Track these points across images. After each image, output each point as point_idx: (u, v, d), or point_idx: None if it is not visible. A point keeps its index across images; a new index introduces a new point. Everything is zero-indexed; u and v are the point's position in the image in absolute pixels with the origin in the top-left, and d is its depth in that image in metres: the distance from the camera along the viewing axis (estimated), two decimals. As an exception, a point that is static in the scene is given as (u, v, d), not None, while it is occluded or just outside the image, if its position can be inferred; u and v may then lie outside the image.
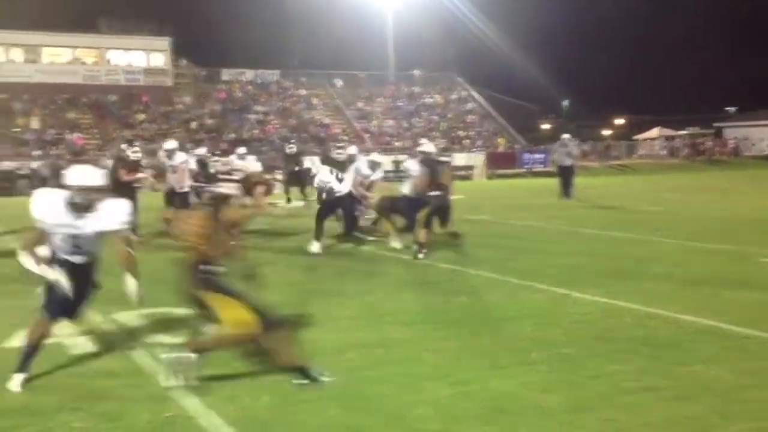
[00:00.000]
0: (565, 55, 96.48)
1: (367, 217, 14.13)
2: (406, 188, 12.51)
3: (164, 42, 51.56)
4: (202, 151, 16.78)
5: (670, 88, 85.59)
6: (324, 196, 13.08)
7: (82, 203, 5.61)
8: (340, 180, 13.17)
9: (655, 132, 60.06)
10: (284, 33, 77.64)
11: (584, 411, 4.91)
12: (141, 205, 13.31)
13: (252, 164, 16.27)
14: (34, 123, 44.18)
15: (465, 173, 39.56)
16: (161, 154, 15.71)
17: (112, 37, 50.03)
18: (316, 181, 13.13)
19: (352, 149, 17.28)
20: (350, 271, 10.64)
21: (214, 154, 17.46)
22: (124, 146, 15.67)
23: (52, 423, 4.89)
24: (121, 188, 13.51)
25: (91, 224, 5.69)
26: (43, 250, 5.80)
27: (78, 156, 39.35)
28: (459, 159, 41.07)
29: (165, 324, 7.46)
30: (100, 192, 5.72)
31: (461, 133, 52.98)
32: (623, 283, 9.31)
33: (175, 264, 5.71)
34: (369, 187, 14.72)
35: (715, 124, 62.02)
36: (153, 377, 5.76)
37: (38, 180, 14.27)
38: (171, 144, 16.04)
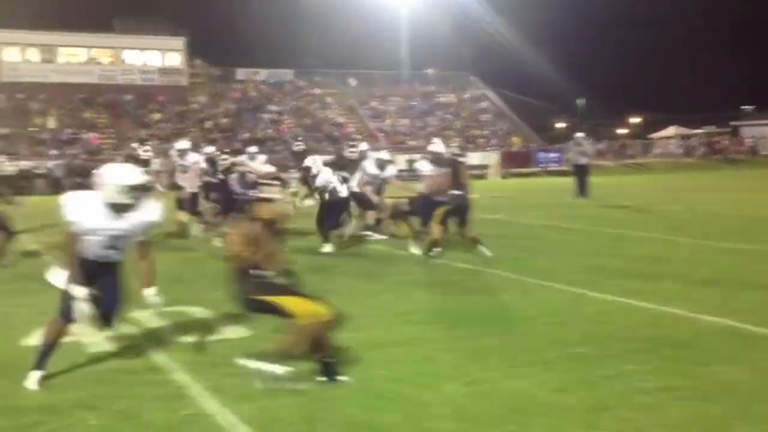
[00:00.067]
0: (581, 53, 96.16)
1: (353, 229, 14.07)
2: (420, 187, 12.41)
3: (179, 42, 51.77)
4: (211, 149, 16.76)
5: (686, 87, 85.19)
6: (327, 196, 12.91)
7: (122, 203, 5.57)
8: (342, 181, 13.15)
9: (671, 131, 59.76)
10: (298, 32, 77.82)
11: (601, 411, 4.88)
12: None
13: (260, 164, 16.16)
14: (51, 123, 44.49)
15: (479, 172, 39.48)
16: (173, 153, 15.73)
17: (127, 37, 50.26)
18: (318, 181, 12.97)
19: (363, 146, 17.25)
20: (364, 271, 10.63)
21: (223, 152, 17.42)
22: (135, 145, 15.67)
23: (70, 421, 4.91)
24: None
25: (129, 224, 5.66)
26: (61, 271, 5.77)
27: (94, 156, 39.61)
28: (473, 158, 40.97)
29: (181, 322, 7.49)
30: (142, 190, 5.71)
31: (475, 132, 52.91)
32: (640, 282, 9.25)
33: (227, 275, 5.67)
34: (381, 186, 14.69)
35: (732, 123, 61.56)
36: (170, 375, 5.78)
37: (52, 180, 14.29)
38: (183, 144, 16.03)
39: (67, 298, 5.60)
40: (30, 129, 43.40)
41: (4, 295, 9.25)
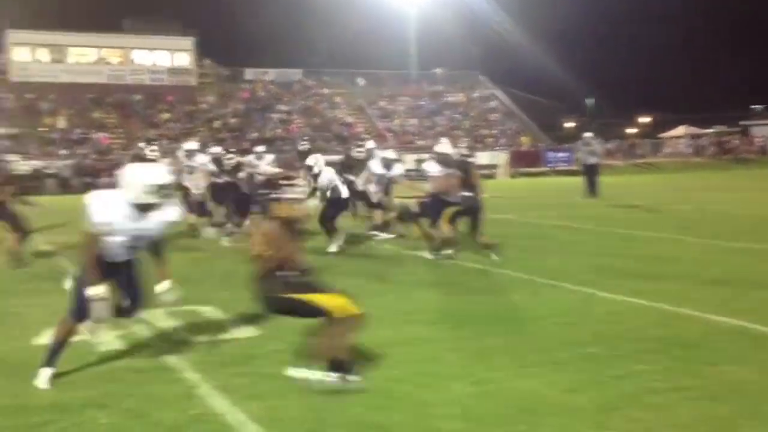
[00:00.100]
0: (590, 52, 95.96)
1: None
2: (429, 188, 12.30)
3: (188, 42, 51.96)
4: (217, 149, 16.72)
5: (696, 86, 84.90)
6: (328, 194, 12.86)
7: (149, 203, 5.58)
8: (344, 182, 13.14)
9: (680, 130, 59.62)
10: (307, 32, 77.94)
11: (611, 411, 4.87)
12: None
13: (267, 164, 16.09)
14: (61, 122, 44.67)
15: (488, 172, 39.45)
16: (180, 154, 15.68)
17: (136, 37, 50.48)
18: (320, 180, 12.88)
19: (370, 144, 17.21)
20: (370, 271, 10.59)
21: (228, 152, 17.40)
22: (142, 145, 15.60)
23: (80, 419, 4.93)
24: None
25: (152, 223, 5.68)
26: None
27: (104, 155, 39.77)
28: (482, 158, 40.95)
29: (191, 322, 7.51)
30: (169, 189, 5.72)
31: (484, 131, 52.89)
32: (649, 282, 9.23)
33: (249, 276, 5.65)
34: (389, 186, 14.68)
35: (742, 123, 61.35)
36: (179, 374, 5.79)
37: (61, 180, 14.27)
38: (191, 144, 15.94)
39: (78, 298, 5.62)
40: (40, 129, 43.60)
41: (17, 295, 9.29)
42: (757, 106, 69.03)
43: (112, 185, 6.00)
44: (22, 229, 11.38)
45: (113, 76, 49.83)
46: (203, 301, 8.35)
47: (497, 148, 48.11)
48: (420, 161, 25.39)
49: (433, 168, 11.90)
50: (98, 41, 50.21)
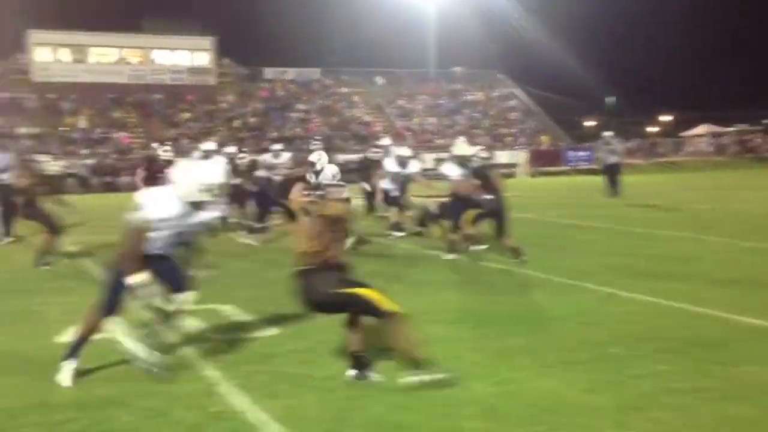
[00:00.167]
0: (610, 50, 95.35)
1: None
2: (448, 188, 12.18)
3: (208, 41, 52.17)
4: (231, 149, 16.67)
5: (717, 84, 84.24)
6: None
7: (200, 201, 5.64)
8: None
9: (702, 129, 59.14)
10: (326, 31, 78.07)
11: (632, 411, 4.85)
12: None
13: (284, 161, 16.00)
14: (82, 122, 44.99)
15: (508, 171, 39.35)
16: (196, 155, 15.55)
17: (157, 37, 50.73)
18: (322, 177, 12.74)
19: (386, 141, 17.11)
20: (390, 271, 10.59)
21: (241, 151, 17.39)
22: (155, 145, 15.57)
23: (101, 417, 4.97)
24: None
25: (199, 220, 5.75)
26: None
27: (124, 155, 40.04)
28: (501, 157, 40.86)
29: (210, 320, 7.54)
30: (222, 188, 5.78)
31: (503, 130, 52.75)
32: (670, 282, 9.18)
33: (293, 274, 5.66)
34: (405, 184, 14.62)
35: (764, 121, 60.73)
36: (200, 372, 5.83)
37: (81, 179, 14.27)
38: (209, 145, 15.81)
39: (110, 293, 5.67)
40: (61, 128, 43.93)
41: (40, 294, 9.38)
42: (779, 105, 68.34)
43: (133, 184, 6.09)
44: (52, 229, 11.45)
45: (134, 75, 50.13)
46: (223, 300, 8.39)
47: (517, 147, 47.97)
48: (439, 160, 25.38)
49: (452, 171, 11.80)
50: (119, 41, 50.53)
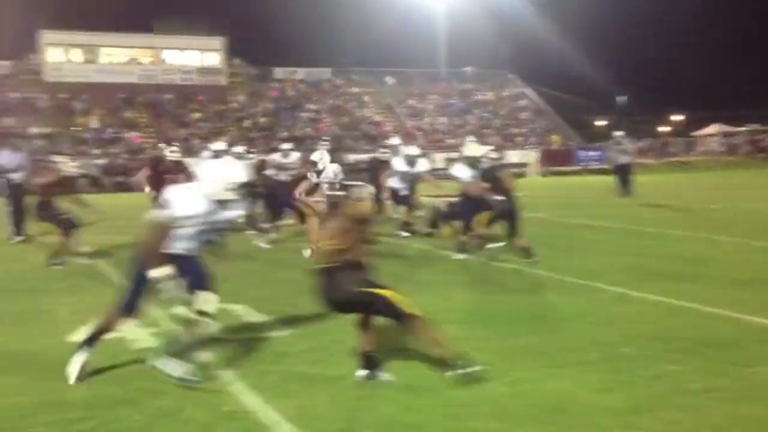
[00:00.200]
0: (621, 50, 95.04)
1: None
2: (458, 188, 12.12)
3: (218, 41, 52.30)
4: (239, 149, 16.58)
5: (729, 84, 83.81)
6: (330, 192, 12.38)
7: (226, 199, 5.65)
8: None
9: (713, 129, 58.90)
10: (336, 31, 78.11)
11: (644, 412, 4.83)
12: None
13: (292, 161, 15.91)
14: (93, 122, 45.19)
15: (518, 171, 39.29)
16: (205, 155, 15.49)
17: (167, 37, 50.91)
18: (323, 176, 12.43)
19: (395, 140, 17.02)
20: (401, 271, 10.59)
21: (249, 152, 17.33)
22: (162, 146, 15.48)
23: (112, 416, 4.99)
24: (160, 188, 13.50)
25: (224, 218, 5.75)
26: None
27: (135, 155, 40.17)
28: (512, 156, 40.81)
29: (221, 320, 7.54)
30: (246, 187, 5.78)
31: (514, 130, 52.70)
32: (681, 282, 9.14)
33: (314, 273, 5.65)
34: (414, 183, 14.58)
35: (776, 121, 60.47)
36: (210, 372, 5.83)
37: (91, 179, 14.16)
38: (219, 145, 15.69)
39: (130, 293, 5.66)
40: (73, 128, 44.13)
41: (50, 293, 9.41)
42: (792, 104, 67.94)
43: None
44: (67, 229, 11.44)
45: (144, 75, 50.33)
46: (234, 299, 8.39)
47: (527, 146, 47.91)
48: (450, 160, 25.38)
49: (463, 172, 11.75)
50: (130, 41, 50.76)
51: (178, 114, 48.62)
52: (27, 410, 5.12)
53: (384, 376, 5.55)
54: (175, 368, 5.54)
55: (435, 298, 8.52)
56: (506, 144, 45.71)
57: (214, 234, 5.90)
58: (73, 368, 5.64)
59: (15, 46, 49.53)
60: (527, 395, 5.17)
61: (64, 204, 11.75)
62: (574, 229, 15.41)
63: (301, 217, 12.99)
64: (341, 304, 5.57)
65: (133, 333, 6.88)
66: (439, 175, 17.72)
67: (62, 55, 49.15)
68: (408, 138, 37.85)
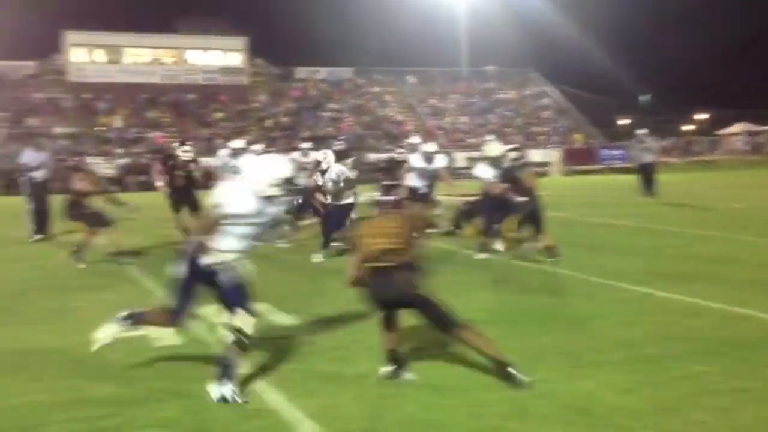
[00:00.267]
0: (645, 48, 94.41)
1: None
2: (483, 190, 12.02)
3: (241, 41, 52.48)
4: (258, 148, 16.48)
5: (754, 83, 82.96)
6: (329, 198, 12.26)
7: (272, 196, 5.58)
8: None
9: (737, 127, 58.34)
10: (357, 31, 78.18)
11: (670, 412, 4.79)
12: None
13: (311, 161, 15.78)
14: (117, 122, 45.51)
15: (541, 170, 39.08)
16: (223, 153, 15.38)
17: (190, 37, 51.17)
18: (327, 176, 12.26)
19: (414, 139, 16.89)
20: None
21: (268, 150, 17.29)
22: (175, 145, 15.33)
23: (137, 413, 5.02)
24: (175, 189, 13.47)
25: (269, 216, 5.67)
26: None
27: (158, 154, 40.40)
28: (534, 155, 40.60)
29: (244, 318, 7.55)
30: (290, 183, 5.73)
31: (536, 129, 52.48)
32: (707, 282, 9.06)
33: (367, 271, 5.59)
34: (433, 181, 14.44)
35: (801, 120, 59.74)
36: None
37: (115, 179, 14.05)
38: (238, 143, 15.53)
39: (180, 299, 5.58)
40: (96, 128, 44.46)
41: (75, 291, 9.48)
42: (818, 102, 67.05)
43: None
44: (98, 227, 11.42)
45: (167, 76, 50.59)
46: (258, 298, 8.39)
47: (549, 145, 47.69)
48: (472, 159, 25.29)
49: (486, 173, 11.68)
50: (153, 42, 51.06)
51: (201, 114, 48.84)
52: (52, 406, 5.16)
53: (407, 375, 5.54)
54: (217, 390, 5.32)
55: (457, 298, 8.44)
56: (528, 143, 45.45)
57: (261, 232, 5.74)
58: (105, 335, 5.62)
59: (39, 47, 50.11)
60: (550, 395, 5.13)
61: (97, 203, 11.72)
62: (598, 228, 15.33)
63: (320, 216, 12.94)
64: (394, 303, 5.54)
65: (156, 331, 6.91)
66: (460, 174, 17.66)
67: (86, 55, 49.52)
68: (429, 137, 37.82)
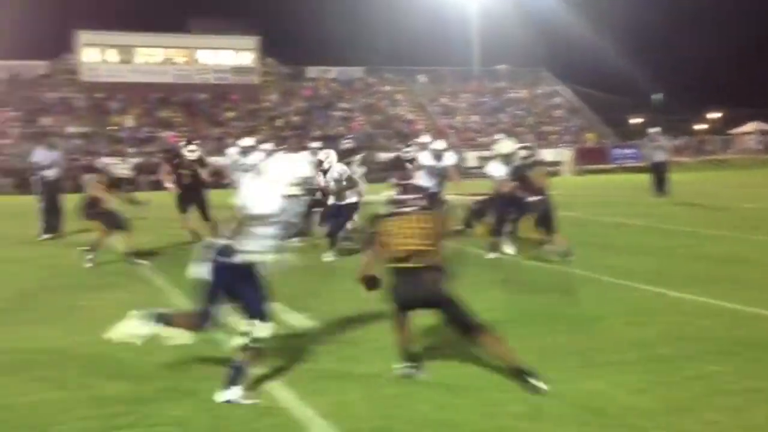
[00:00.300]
0: (657, 47, 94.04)
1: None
2: (495, 188, 11.92)
3: (252, 41, 52.58)
4: (268, 147, 16.38)
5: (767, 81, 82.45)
6: (331, 197, 12.16)
7: (294, 195, 5.53)
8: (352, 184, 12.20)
9: (750, 126, 58.05)
10: (368, 30, 78.20)
11: (683, 412, 4.77)
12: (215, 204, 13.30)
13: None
14: (129, 121, 45.68)
15: (552, 169, 38.94)
16: (232, 151, 15.28)
17: (201, 37, 51.32)
18: (329, 176, 12.13)
19: (424, 138, 16.81)
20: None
21: (279, 149, 17.22)
22: (181, 144, 15.18)
23: (151, 411, 5.04)
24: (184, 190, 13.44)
25: (291, 215, 5.62)
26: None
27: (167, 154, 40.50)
28: (546, 155, 40.49)
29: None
30: (309, 182, 5.70)
31: (548, 128, 52.37)
32: (720, 281, 9.02)
33: (395, 271, 5.58)
34: (442, 180, 14.38)
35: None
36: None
37: (128, 181, 13.87)
38: (247, 141, 15.37)
39: (208, 302, 5.52)
40: (108, 128, 44.64)
41: (88, 290, 9.51)
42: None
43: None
44: (114, 227, 11.42)
45: (179, 75, 50.76)
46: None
47: (561, 144, 47.57)
48: (483, 158, 25.21)
49: (497, 170, 11.64)
50: (164, 41, 51.25)
51: (212, 113, 48.97)
52: (67, 404, 5.19)
53: (421, 373, 5.54)
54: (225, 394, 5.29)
55: (468, 298, 8.44)
56: (540, 142, 45.38)
57: (284, 231, 5.66)
58: (129, 331, 5.56)
59: (52, 47, 50.33)
60: (561, 395, 5.12)
61: (115, 203, 11.70)
62: (610, 227, 15.28)
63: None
64: (422, 303, 5.53)
65: (169, 330, 6.94)
66: (471, 173, 17.59)
67: (98, 55, 49.73)
68: (440, 136, 37.79)
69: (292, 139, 42.17)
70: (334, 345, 6.52)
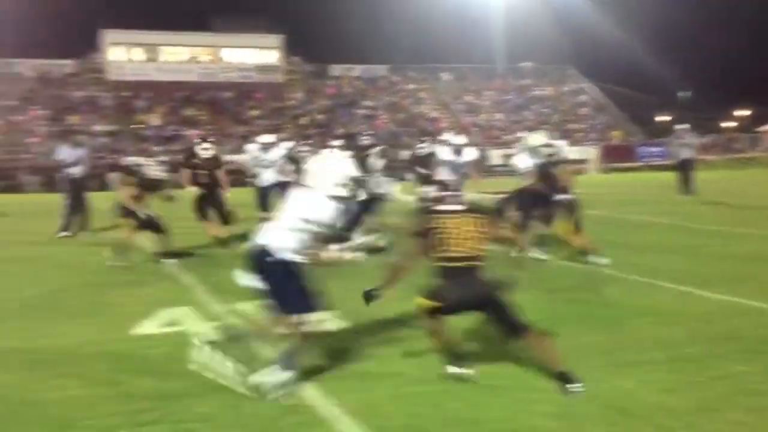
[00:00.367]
0: (684, 44, 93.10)
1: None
2: (522, 182, 11.87)
3: (276, 39, 52.77)
4: (289, 144, 16.27)
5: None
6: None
7: (341, 196, 5.46)
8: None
9: (778, 124, 57.35)
10: (392, 28, 78.16)
11: (710, 412, 4.73)
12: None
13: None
14: (154, 120, 46.02)
15: (578, 167, 38.70)
16: (252, 147, 15.05)
17: (226, 35, 51.58)
18: None
19: (447, 135, 16.73)
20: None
21: (301, 146, 17.20)
22: (196, 141, 15.01)
23: (177, 408, 5.07)
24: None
25: (334, 216, 5.49)
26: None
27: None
28: (571, 153, 40.22)
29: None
30: (356, 181, 5.60)
31: (574, 126, 52.09)
32: (748, 281, 8.93)
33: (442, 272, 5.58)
34: (462, 176, 14.29)
35: None
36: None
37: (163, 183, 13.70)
38: (268, 137, 15.18)
39: (292, 293, 5.43)
40: (134, 126, 45.01)
41: (114, 287, 9.57)
42: None
43: None
44: (146, 228, 11.45)
45: (204, 74, 51.07)
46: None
47: (587, 142, 47.29)
48: (507, 156, 25.06)
49: (525, 162, 11.54)
50: (189, 40, 51.58)
51: (237, 111, 49.21)
52: (94, 400, 5.24)
53: (471, 373, 5.50)
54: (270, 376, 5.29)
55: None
56: (565, 140, 45.17)
57: (329, 233, 5.60)
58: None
59: (79, 46, 50.83)
60: (591, 395, 5.09)
61: (153, 203, 11.70)
62: (636, 226, 15.17)
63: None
64: (473, 304, 5.54)
65: (195, 326, 7.00)
66: (495, 171, 17.48)
67: (124, 54, 50.16)
68: (462, 134, 37.72)
69: (316, 137, 42.26)
70: (359, 343, 6.52)
